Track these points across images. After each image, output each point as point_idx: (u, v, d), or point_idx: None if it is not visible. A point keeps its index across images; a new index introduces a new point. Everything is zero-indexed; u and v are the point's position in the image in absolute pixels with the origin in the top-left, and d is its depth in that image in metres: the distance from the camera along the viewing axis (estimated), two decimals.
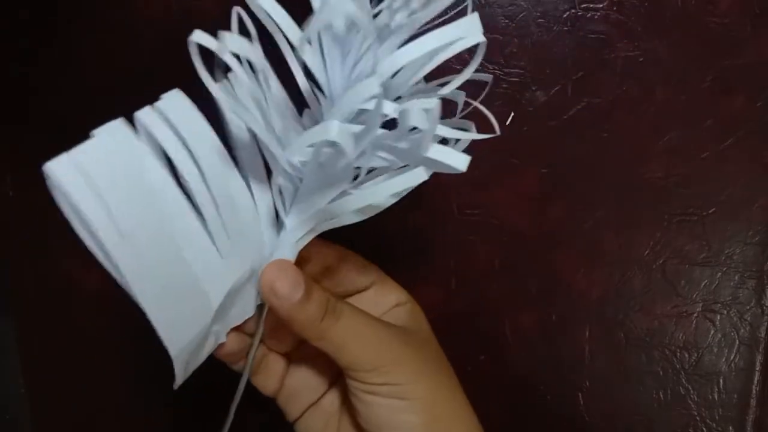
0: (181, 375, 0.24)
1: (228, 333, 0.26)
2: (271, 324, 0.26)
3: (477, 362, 0.37)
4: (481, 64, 0.35)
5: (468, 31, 0.23)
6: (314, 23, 0.21)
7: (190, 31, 0.24)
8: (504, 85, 0.35)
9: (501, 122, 0.35)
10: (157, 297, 0.22)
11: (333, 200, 0.24)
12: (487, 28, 0.35)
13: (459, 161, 0.23)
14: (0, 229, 0.37)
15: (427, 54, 0.22)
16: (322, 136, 0.20)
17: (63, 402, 0.38)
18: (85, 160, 0.21)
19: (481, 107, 0.26)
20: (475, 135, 0.25)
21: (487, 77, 0.26)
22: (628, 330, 0.37)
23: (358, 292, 0.30)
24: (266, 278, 0.24)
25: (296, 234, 0.26)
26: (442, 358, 0.30)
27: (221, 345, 0.26)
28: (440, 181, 0.36)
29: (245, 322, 0.26)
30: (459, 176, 0.36)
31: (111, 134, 0.22)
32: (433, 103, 0.20)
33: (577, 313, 0.36)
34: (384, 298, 0.30)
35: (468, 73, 0.25)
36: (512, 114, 0.35)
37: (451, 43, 0.23)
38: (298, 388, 0.30)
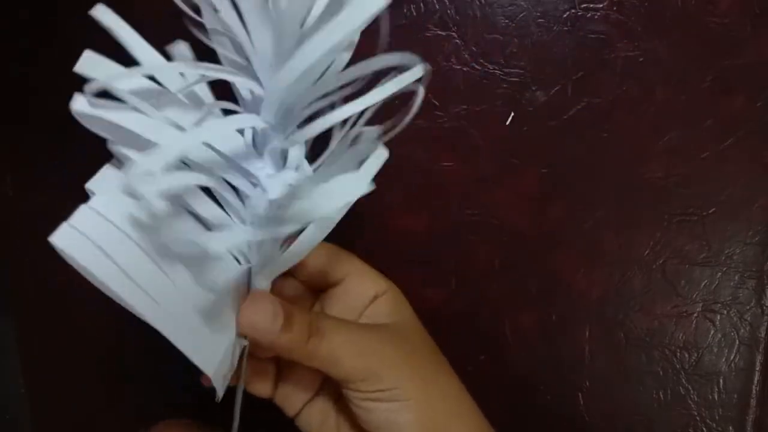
0: (220, 388, 0.24)
1: None
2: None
3: (477, 362, 0.37)
4: (482, 64, 0.35)
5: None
6: None
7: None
8: (504, 85, 0.35)
9: (501, 122, 0.35)
10: (183, 328, 0.23)
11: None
12: (487, 28, 0.35)
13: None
14: (0, 229, 0.37)
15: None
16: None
17: (63, 402, 0.38)
18: (84, 224, 0.22)
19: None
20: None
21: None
22: (628, 330, 0.37)
23: (332, 285, 0.30)
24: (244, 316, 0.24)
25: (265, 265, 0.25)
26: (430, 346, 0.29)
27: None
28: (440, 181, 0.36)
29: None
30: (459, 176, 0.36)
31: (102, 193, 0.23)
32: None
33: (577, 313, 0.37)
34: (361, 289, 0.29)
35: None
36: (512, 114, 0.35)
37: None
38: (292, 388, 0.30)
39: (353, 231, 0.36)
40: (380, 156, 0.25)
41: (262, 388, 0.29)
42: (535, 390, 0.37)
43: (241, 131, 0.24)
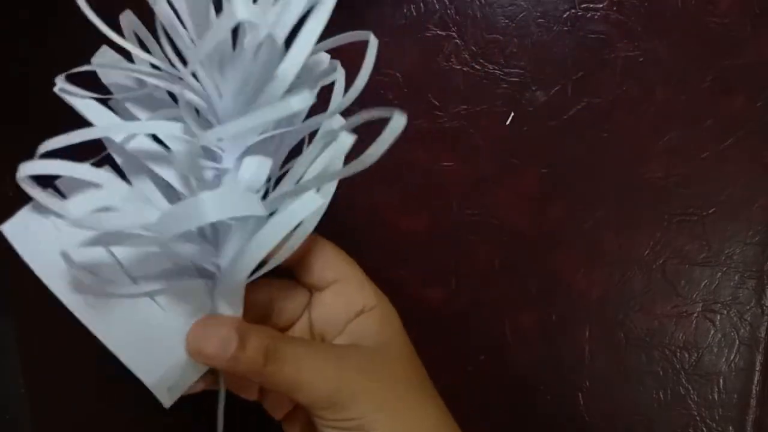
0: (165, 398, 0.24)
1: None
2: None
3: (477, 362, 0.37)
4: (482, 64, 0.35)
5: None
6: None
7: None
8: (504, 85, 0.35)
9: (501, 122, 0.35)
10: (121, 335, 0.23)
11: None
12: (487, 28, 0.35)
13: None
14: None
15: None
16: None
17: (63, 402, 0.38)
18: (29, 220, 0.23)
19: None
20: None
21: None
22: (628, 330, 0.37)
23: (323, 286, 0.28)
24: (189, 342, 0.23)
25: (231, 282, 0.25)
26: (415, 372, 0.28)
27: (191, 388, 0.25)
28: (440, 182, 0.36)
29: None
30: (459, 176, 0.36)
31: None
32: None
33: (577, 313, 0.36)
34: (348, 300, 0.28)
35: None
36: (512, 114, 0.35)
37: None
38: (278, 393, 0.29)
39: (353, 231, 0.36)
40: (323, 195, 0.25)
41: (249, 392, 0.29)
42: (535, 390, 0.37)
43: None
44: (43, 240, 0.22)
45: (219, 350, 0.23)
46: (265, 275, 0.29)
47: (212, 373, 0.26)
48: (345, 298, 0.28)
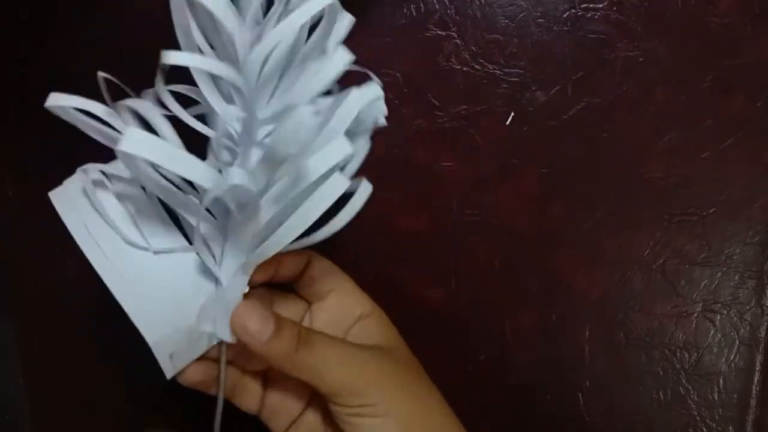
0: (167, 366, 0.25)
1: (190, 365, 0.27)
2: (239, 346, 0.27)
3: (477, 362, 0.37)
4: (482, 64, 0.35)
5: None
6: None
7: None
8: (504, 85, 0.35)
9: (501, 122, 0.35)
10: (133, 290, 0.24)
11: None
12: (487, 28, 0.35)
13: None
14: (0, 229, 0.37)
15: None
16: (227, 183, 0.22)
17: (63, 402, 0.38)
18: (71, 189, 0.25)
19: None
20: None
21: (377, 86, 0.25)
22: (628, 330, 0.37)
23: (319, 298, 0.31)
24: (236, 319, 0.25)
25: (236, 270, 0.26)
26: (414, 367, 0.30)
27: (186, 375, 0.27)
28: (440, 182, 0.36)
29: (210, 349, 0.27)
30: (459, 176, 0.36)
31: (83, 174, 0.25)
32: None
33: (577, 313, 0.36)
34: (347, 309, 0.30)
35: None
36: (512, 114, 0.35)
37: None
38: (279, 405, 0.30)
39: (353, 231, 0.36)
40: None
41: (248, 402, 0.30)
42: (535, 390, 0.37)
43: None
44: (85, 206, 0.24)
45: (261, 329, 0.25)
46: (264, 287, 0.30)
47: (215, 350, 0.27)
48: (344, 307, 0.30)
